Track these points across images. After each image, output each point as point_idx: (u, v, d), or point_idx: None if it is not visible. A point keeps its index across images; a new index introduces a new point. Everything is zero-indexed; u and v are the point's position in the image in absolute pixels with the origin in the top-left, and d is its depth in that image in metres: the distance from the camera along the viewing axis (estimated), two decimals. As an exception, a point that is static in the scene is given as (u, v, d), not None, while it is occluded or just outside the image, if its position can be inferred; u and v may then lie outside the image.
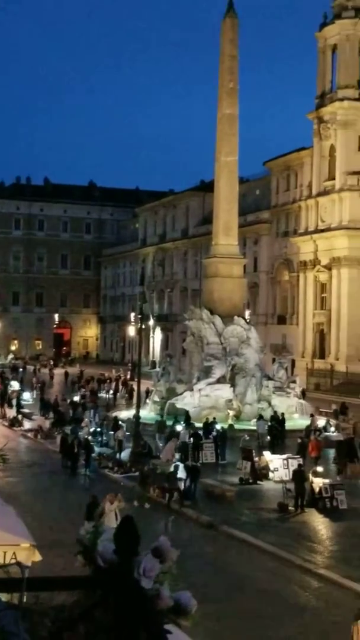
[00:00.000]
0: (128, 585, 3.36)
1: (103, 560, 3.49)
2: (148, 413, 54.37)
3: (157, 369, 67.94)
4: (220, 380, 54.59)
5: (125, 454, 41.99)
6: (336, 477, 36.58)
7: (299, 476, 32.03)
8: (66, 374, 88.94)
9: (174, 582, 3.74)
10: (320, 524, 29.86)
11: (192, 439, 42.49)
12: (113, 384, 75.76)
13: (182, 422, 47.65)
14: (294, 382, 59.87)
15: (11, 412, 57.99)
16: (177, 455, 39.98)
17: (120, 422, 47.56)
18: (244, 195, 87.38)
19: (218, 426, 45.68)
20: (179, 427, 45.96)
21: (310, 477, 32.76)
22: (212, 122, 61.61)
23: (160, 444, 42.53)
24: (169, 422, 49.14)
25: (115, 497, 26.20)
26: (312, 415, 52.27)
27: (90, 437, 44.21)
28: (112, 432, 45.80)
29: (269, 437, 44.74)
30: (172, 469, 34.72)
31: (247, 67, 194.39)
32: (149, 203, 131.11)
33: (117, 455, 41.63)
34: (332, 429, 50.29)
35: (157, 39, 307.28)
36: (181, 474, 34.77)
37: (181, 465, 36.38)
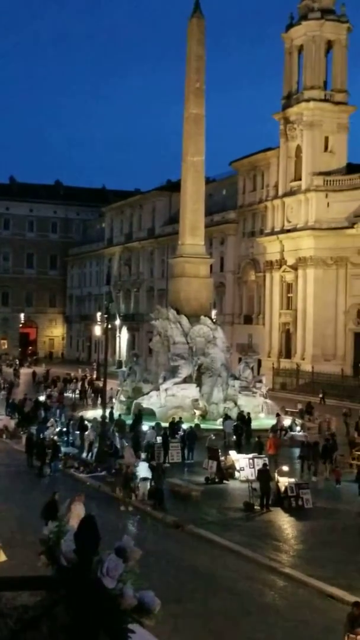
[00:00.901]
0: (90, 584, 3.34)
1: (66, 560, 3.47)
2: (114, 412, 54.20)
3: (124, 368, 67.87)
4: (187, 379, 54.64)
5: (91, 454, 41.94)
6: (311, 478, 36.66)
7: (264, 475, 32.14)
8: (34, 373, 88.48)
9: (138, 581, 3.72)
10: (285, 523, 29.98)
11: (161, 438, 42.53)
12: (79, 384, 75.51)
13: (149, 422, 47.64)
14: (260, 381, 60.09)
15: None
16: (142, 455, 39.95)
17: (86, 422, 47.44)
18: (210, 195, 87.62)
19: (185, 426, 45.71)
20: (145, 427, 45.94)
21: (276, 476, 32.91)
22: (178, 121, 61.71)
23: (119, 444, 42.31)
24: (128, 422, 49.24)
25: (82, 497, 26.14)
26: (278, 415, 52.49)
27: (56, 437, 44.05)
28: (78, 432, 45.69)
29: (234, 437, 44.82)
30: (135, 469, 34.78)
31: (214, 67, 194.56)
32: (116, 202, 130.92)
33: (87, 455, 41.50)
34: (298, 428, 50.57)
35: (124, 39, 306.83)
36: (146, 473, 34.77)
37: (146, 465, 36.40)
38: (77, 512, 25.01)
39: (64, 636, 3.29)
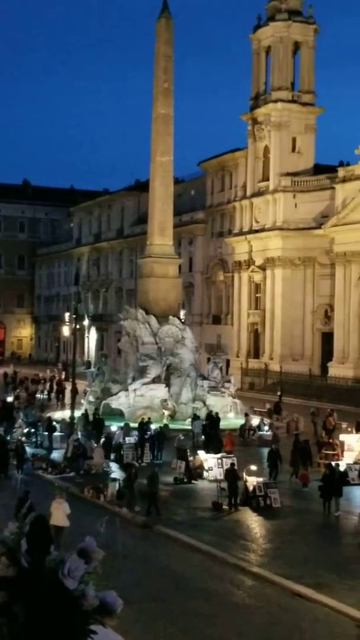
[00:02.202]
0: (51, 585, 3.33)
1: (26, 561, 3.46)
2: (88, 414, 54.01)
3: (92, 369, 67.70)
4: (155, 380, 54.60)
5: (58, 455, 41.76)
6: (291, 478, 36.71)
7: (232, 475, 32.21)
8: (5, 374, 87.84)
9: (100, 582, 3.71)
10: (253, 522, 30.07)
11: (130, 439, 42.52)
12: (47, 384, 75.15)
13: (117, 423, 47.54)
14: (229, 381, 60.21)
15: None
16: (112, 456, 39.89)
17: (54, 423, 47.28)
18: (179, 196, 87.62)
19: (153, 426, 45.69)
20: (114, 428, 45.88)
21: (245, 475, 32.99)
22: (147, 121, 61.67)
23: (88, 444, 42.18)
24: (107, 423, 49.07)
25: (63, 495, 26.40)
26: (246, 415, 52.64)
27: (24, 438, 43.79)
28: (47, 433, 45.50)
29: (203, 437, 44.87)
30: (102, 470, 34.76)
31: (183, 67, 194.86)
32: (84, 202, 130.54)
33: (68, 455, 41.23)
34: (266, 427, 50.74)
35: (93, 37, 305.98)
36: (115, 474, 34.75)
37: (115, 466, 36.40)
38: (63, 509, 25.25)
39: (24, 636, 3.28)
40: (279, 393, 70.14)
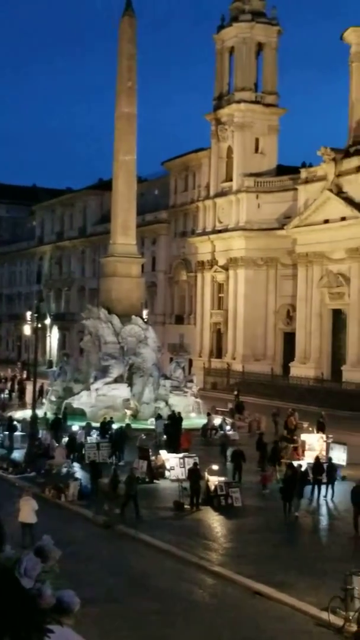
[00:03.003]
0: (6, 584, 3.28)
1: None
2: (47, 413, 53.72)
3: (54, 368, 67.28)
4: (118, 379, 54.45)
5: (19, 454, 41.48)
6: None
7: (195, 474, 32.23)
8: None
9: (57, 581, 3.67)
10: (215, 522, 30.13)
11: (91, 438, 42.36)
12: (9, 384, 74.64)
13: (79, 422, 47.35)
14: (191, 381, 60.25)
15: None
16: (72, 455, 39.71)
17: (14, 422, 46.97)
18: (142, 195, 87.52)
19: (115, 425, 45.58)
20: (75, 427, 45.68)
21: (206, 475, 33.03)
22: (110, 120, 61.45)
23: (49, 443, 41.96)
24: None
25: (30, 492, 26.34)
26: (208, 414, 52.71)
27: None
28: (7, 433, 45.18)
29: (165, 436, 44.86)
30: (63, 470, 34.59)
31: (146, 66, 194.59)
32: (47, 201, 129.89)
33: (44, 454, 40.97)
34: (228, 427, 50.84)
35: (56, 35, 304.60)
36: (77, 473, 34.65)
37: (77, 465, 36.28)
38: (31, 505, 25.17)
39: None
40: (235, 392, 70.60)
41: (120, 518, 29.56)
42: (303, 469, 35.09)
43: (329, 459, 37.33)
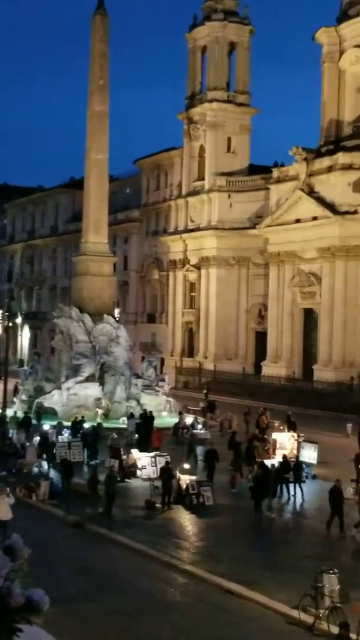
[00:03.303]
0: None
1: None
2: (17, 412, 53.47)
3: (25, 367, 67.02)
4: (89, 378, 54.32)
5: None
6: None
7: (167, 473, 32.22)
8: None
9: (27, 579, 3.66)
10: (186, 521, 30.14)
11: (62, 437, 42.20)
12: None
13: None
14: (163, 380, 60.25)
15: None
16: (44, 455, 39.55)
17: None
18: (114, 194, 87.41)
19: (87, 425, 45.45)
20: (46, 427, 45.49)
21: (177, 474, 33.04)
22: (82, 118, 61.26)
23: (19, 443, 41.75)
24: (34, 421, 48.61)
25: (3, 490, 26.22)
26: (180, 413, 52.74)
27: None
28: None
29: (136, 435, 44.82)
30: (34, 469, 34.45)
31: (119, 64, 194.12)
32: (18, 199, 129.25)
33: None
34: (200, 426, 50.88)
35: (27, 33, 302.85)
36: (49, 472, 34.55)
37: (46, 464, 36.16)
38: (6, 503, 25.04)
39: None
40: (204, 391, 70.81)
41: (106, 517, 29.48)
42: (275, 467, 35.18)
43: (297, 458, 37.50)
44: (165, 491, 31.62)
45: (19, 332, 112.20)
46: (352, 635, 18.05)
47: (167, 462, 34.07)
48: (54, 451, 40.10)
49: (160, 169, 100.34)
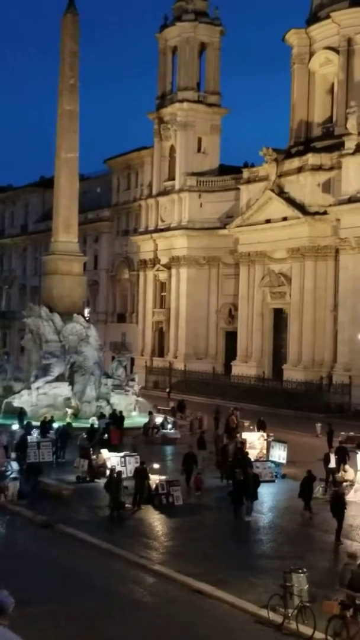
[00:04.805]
0: None
1: None
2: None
3: (-6, 367, 66.50)
4: (59, 378, 54.10)
5: None
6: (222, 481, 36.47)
7: (141, 474, 32.11)
8: None
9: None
10: (156, 521, 30.11)
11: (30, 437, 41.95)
12: None
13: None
14: (133, 380, 60.17)
15: None
16: (13, 455, 39.28)
17: None
18: (84, 193, 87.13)
19: (56, 424, 45.26)
20: (15, 427, 45.25)
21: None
22: (52, 117, 61.00)
23: None
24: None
25: None
26: (150, 413, 52.71)
27: None
28: None
29: (105, 435, 44.68)
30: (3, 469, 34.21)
31: (89, 63, 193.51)
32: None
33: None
34: (170, 426, 50.90)
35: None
36: (16, 473, 34.32)
37: (15, 464, 35.92)
38: None
39: None
40: (167, 390, 71.05)
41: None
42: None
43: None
44: (138, 491, 31.54)
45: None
46: (321, 635, 18.17)
47: (142, 462, 33.99)
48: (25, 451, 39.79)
49: (131, 168, 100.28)
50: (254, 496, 30.81)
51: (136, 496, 31.48)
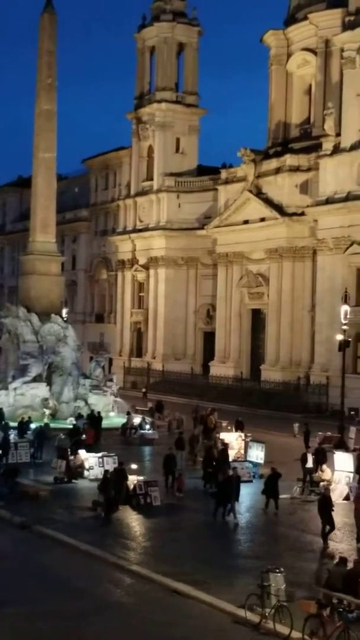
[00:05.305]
0: None
1: None
2: None
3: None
4: (37, 378, 53.95)
5: None
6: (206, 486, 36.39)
7: (120, 475, 32.03)
8: None
9: None
10: (134, 521, 30.06)
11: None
12: None
13: None
14: (111, 380, 60.07)
15: None
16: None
17: None
18: (62, 193, 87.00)
19: (33, 425, 45.13)
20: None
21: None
22: (30, 117, 60.85)
23: None
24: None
25: None
26: (128, 413, 52.65)
27: None
28: None
29: (84, 436, 44.58)
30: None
31: (67, 63, 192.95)
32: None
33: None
34: (148, 426, 50.87)
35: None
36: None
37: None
38: None
39: None
40: (143, 390, 71.04)
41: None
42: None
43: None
44: (117, 491, 31.43)
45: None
46: (298, 634, 18.23)
47: (120, 463, 33.92)
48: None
49: (109, 168, 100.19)
50: (237, 497, 30.84)
51: (116, 496, 31.37)
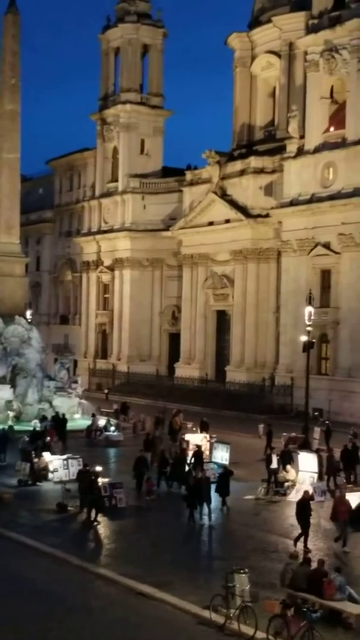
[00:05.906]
0: None
1: None
2: None
3: None
4: (0, 380, 53.63)
5: None
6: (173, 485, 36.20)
7: (86, 476, 31.85)
8: None
9: None
10: (99, 523, 29.95)
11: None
12: None
13: None
14: (76, 382, 59.95)
15: None
16: None
17: None
18: (26, 194, 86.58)
19: (-3, 428, 44.82)
20: None
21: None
22: (-7, 117, 60.37)
23: None
24: None
25: None
26: (93, 415, 52.50)
27: None
28: None
29: (48, 438, 44.35)
30: None
31: (31, 63, 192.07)
32: None
33: None
34: (113, 428, 50.77)
35: None
36: None
37: None
38: None
39: None
40: (105, 391, 70.91)
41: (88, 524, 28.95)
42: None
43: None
44: (82, 493, 31.21)
45: None
46: (262, 634, 18.28)
47: (85, 465, 33.76)
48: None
49: (74, 169, 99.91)
50: (209, 499, 30.73)
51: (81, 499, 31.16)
